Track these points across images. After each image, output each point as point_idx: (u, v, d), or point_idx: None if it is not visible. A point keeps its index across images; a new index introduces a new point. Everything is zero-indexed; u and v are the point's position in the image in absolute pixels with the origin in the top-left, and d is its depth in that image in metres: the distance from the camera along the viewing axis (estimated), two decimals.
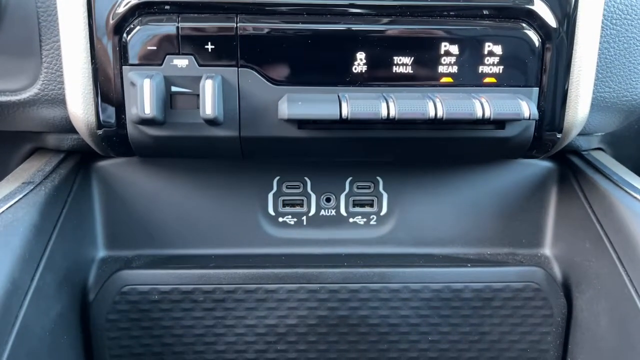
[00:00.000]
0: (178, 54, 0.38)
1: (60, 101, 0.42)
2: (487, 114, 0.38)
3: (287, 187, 0.50)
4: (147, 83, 0.39)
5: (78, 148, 0.47)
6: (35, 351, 0.39)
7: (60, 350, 0.42)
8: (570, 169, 0.50)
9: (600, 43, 0.42)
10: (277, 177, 0.50)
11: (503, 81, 0.40)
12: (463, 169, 0.49)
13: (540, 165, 0.50)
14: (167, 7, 0.39)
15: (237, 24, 0.39)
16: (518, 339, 0.48)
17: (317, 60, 0.39)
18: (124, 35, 0.39)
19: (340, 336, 0.48)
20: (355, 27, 0.40)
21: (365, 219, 0.51)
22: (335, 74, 0.39)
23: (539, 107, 0.42)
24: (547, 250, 0.51)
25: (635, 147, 0.57)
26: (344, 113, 0.38)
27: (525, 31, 0.40)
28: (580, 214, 0.47)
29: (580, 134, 0.47)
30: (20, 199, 0.43)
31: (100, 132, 0.41)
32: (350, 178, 0.50)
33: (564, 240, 0.49)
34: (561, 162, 0.51)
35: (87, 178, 0.49)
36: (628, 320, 0.40)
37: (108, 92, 0.40)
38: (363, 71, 0.41)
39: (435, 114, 0.38)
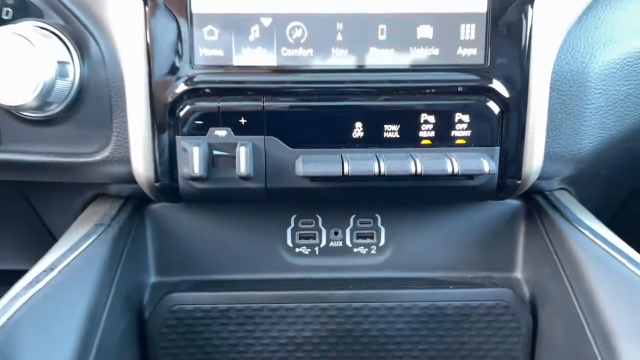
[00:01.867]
0: (219, 126, 0.49)
1: (126, 161, 0.52)
2: (456, 170, 0.48)
3: (302, 224, 0.60)
4: (195, 150, 0.50)
5: (135, 195, 0.57)
6: None
7: None
8: (535, 207, 0.60)
9: (549, 109, 0.51)
10: (294, 216, 0.60)
11: (471, 142, 0.50)
12: (446, 208, 0.59)
13: (511, 203, 0.60)
14: (209, 91, 0.50)
15: (263, 103, 0.50)
16: (492, 347, 0.57)
17: (325, 129, 0.50)
18: (177, 112, 0.50)
19: (347, 346, 0.58)
20: (353, 104, 0.50)
21: (366, 249, 0.61)
22: (339, 139, 0.50)
23: (500, 161, 0.52)
24: (519, 274, 0.61)
25: (593, 189, 0.65)
26: (346, 171, 0.48)
27: (487, 104, 0.51)
28: (542, 245, 0.57)
29: (541, 179, 0.57)
30: (96, 238, 0.53)
31: (157, 184, 0.52)
32: (354, 215, 0.60)
33: (531, 266, 0.59)
34: (528, 201, 0.60)
35: (142, 219, 0.60)
36: (576, 333, 0.49)
37: (164, 155, 0.50)
38: (360, 136, 0.51)
39: (416, 170, 0.49)
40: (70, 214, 0.63)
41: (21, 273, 0.77)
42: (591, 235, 0.52)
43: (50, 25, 0.51)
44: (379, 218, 0.60)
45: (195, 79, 0.48)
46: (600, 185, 0.64)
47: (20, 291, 0.45)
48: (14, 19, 0.52)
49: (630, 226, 0.69)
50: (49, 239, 0.74)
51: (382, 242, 0.61)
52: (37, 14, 0.52)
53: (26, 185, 0.64)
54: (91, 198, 0.62)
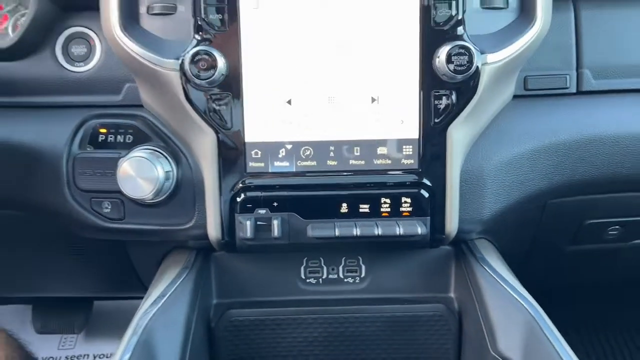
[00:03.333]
0: (261, 207, 0.73)
1: (203, 228, 0.75)
2: (402, 233, 0.71)
3: (311, 264, 0.84)
4: (247, 222, 0.73)
5: (205, 247, 0.79)
6: None
7: None
8: (460, 250, 0.82)
9: (459, 193, 0.75)
10: (306, 258, 0.84)
11: (412, 214, 0.73)
12: (403, 252, 0.84)
13: (446, 248, 0.83)
14: (255, 188, 0.73)
15: (287, 193, 0.73)
16: (433, 342, 0.81)
17: (324, 208, 0.73)
18: (236, 200, 0.73)
19: (340, 342, 0.82)
20: (340, 193, 0.73)
21: (352, 279, 0.85)
22: (332, 214, 0.73)
23: (430, 226, 0.73)
24: (451, 294, 0.84)
25: (504, 237, 0.86)
26: (337, 234, 0.71)
27: (421, 191, 0.73)
28: (463, 275, 0.82)
29: (460, 233, 0.77)
30: (185, 276, 0.76)
31: (222, 242, 0.75)
32: (344, 257, 0.84)
33: (458, 289, 0.83)
34: (456, 246, 0.83)
35: (209, 262, 0.82)
36: (477, 331, 0.73)
37: (228, 225, 0.74)
38: (345, 212, 0.72)
39: (378, 233, 0.72)
40: (154, 260, 0.86)
41: (91, 300, 1.08)
42: (489, 270, 0.75)
43: (157, 147, 0.78)
44: (360, 259, 0.85)
45: (247, 181, 0.73)
46: (509, 235, 0.87)
47: (148, 308, 0.74)
48: (134, 143, 0.78)
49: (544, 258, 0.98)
50: (131, 277, 1.02)
51: (363, 274, 0.85)
52: (148, 139, 0.78)
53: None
54: (170, 249, 0.86)
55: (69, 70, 0.80)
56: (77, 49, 0.81)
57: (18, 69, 0.81)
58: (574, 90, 0.81)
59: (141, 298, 0.77)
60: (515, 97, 0.79)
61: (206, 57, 0.69)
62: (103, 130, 0.79)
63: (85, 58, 0.81)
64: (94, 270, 1.11)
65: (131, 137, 0.77)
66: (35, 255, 1.08)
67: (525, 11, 0.75)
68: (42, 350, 1.37)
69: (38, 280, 1.17)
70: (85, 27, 0.81)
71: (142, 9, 0.75)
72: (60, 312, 1.37)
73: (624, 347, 1.27)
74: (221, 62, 0.70)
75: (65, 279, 1.17)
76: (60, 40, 0.81)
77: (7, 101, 0.82)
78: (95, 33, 0.81)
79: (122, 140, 0.78)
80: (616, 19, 0.83)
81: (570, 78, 0.81)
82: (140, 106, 0.78)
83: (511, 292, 0.72)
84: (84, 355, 1.42)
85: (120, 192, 0.74)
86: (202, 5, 0.70)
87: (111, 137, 0.79)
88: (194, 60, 0.69)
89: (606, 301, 1.31)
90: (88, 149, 0.79)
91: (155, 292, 0.73)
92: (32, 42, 0.80)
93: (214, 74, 0.70)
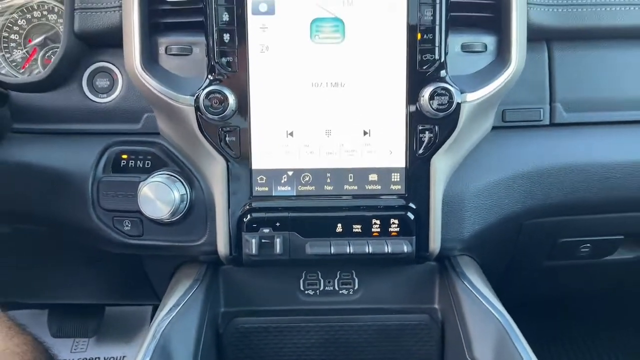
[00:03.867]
0: (265, 227, 0.79)
1: (214, 244, 0.81)
2: (390, 251, 0.77)
3: (309, 277, 0.90)
4: (253, 240, 0.80)
5: (214, 261, 0.85)
6: None
7: None
8: (443, 266, 0.88)
9: (442, 216, 0.82)
10: (305, 271, 0.90)
11: (399, 234, 0.79)
12: (393, 267, 0.90)
13: (431, 264, 0.89)
14: (260, 209, 0.80)
15: (289, 214, 0.79)
16: (419, 348, 0.90)
17: (321, 228, 0.80)
18: (243, 220, 0.80)
19: (336, 348, 0.88)
20: (336, 214, 0.79)
21: (347, 291, 0.91)
22: (329, 233, 0.80)
23: (416, 244, 0.79)
24: (436, 305, 0.90)
25: (484, 254, 0.92)
26: (332, 252, 0.78)
27: (407, 214, 0.79)
28: (445, 288, 0.89)
29: (443, 250, 0.83)
30: (197, 287, 0.82)
31: (230, 257, 0.81)
32: (339, 271, 0.90)
33: (441, 300, 0.89)
34: (440, 262, 0.89)
35: (217, 274, 0.88)
36: (456, 337, 0.80)
37: (235, 242, 0.80)
38: (340, 232, 0.79)
39: (369, 251, 0.79)
40: (167, 271, 0.93)
41: (103, 306, 1.17)
42: (467, 285, 0.81)
43: (174, 172, 0.84)
44: (354, 273, 0.91)
45: (253, 203, 0.79)
46: (488, 252, 0.93)
47: (165, 316, 0.82)
48: (152, 167, 0.85)
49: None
50: (144, 286, 1.10)
51: (356, 287, 0.91)
52: (164, 165, 0.85)
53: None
54: (182, 262, 0.92)
55: (94, 101, 0.88)
56: (101, 82, 0.90)
57: (48, 99, 0.90)
58: (547, 123, 0.89)
59: (150, 304, 0.85)
60: (494, 128, 0.86)
61: (218, 95, 0.79)
62: (124, 156, 0.88)
63: (108, 90, 0.90)
64: (108, 279, 1.20)
65: (149, 163, 0.85)
66: (54, 265, 1.17)
67: (501, 54, 0.84)
68: (57, 353, 1.46)
69: (56, 288, 1.26)
70: (109, 62, 0.90)
71: (161, 50, 0.84)
72: (74, 317, 1.46)
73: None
74: (231, 100, 0.79)
75: (81, 287, 1.26)
76: (86, 74, 0.90)
77: (38, 128, 0.91)
78: (117, 68, 0.90)
79: (141, 165, 0.86)
80: (586, 58, 0.92)
81: (544, 111, 0.89)
82: (157, 134, 0.85)
83: (486, 304, 0.80)
84: (96, 357, 1.51)
85: (139, 211, 0.82)
86: (215, 49, 0.80)
87: (132, 162, 0.87)
88: (207, 97, 0.79)
89: (578, 313, 1.41)
90: (111, 173, 0.88)
91: (170, 301, 0.82)
92: (61, 76, 0.89)
93: (225, 110, 0.79)
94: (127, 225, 0.85)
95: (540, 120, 0.88)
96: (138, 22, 0.80)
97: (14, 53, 0.98)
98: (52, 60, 0.97)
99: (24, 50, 0.99)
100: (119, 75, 0.87)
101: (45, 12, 0.99)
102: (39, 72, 0.98)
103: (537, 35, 0.86)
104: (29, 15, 0.99)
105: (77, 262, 1.09)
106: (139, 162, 0.85)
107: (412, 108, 0.80)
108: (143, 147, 0.86)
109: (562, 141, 0.88)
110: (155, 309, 0.85)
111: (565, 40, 0.89)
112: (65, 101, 0.87)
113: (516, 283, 1.12)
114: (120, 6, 0.84)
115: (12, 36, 0.99)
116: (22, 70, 0.99)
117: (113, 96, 0.87)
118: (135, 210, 0.83)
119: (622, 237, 1.00)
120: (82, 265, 1.10)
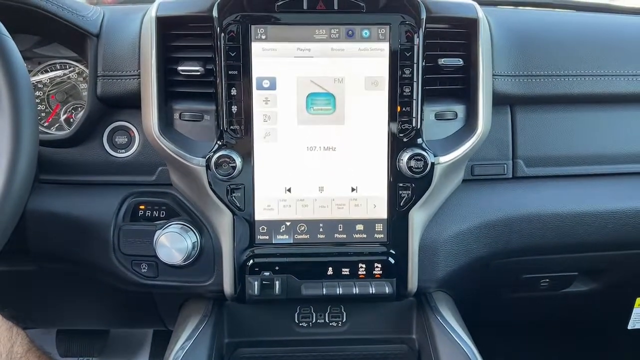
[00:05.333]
0: (265, 270, 0.87)
1: (220, 285, 0.88)
2: (373, 292, 0.86)
3: (303, 311, 0.98)
4: (255, 283, 0.92)
5: (219, 298, 0.93)
6: None
7: None
8: (421, 301, 0.97)
9: (419, 260, 0.91)
10: (299, 306, 0.98)
11: (383, 276, 0.88)
12: (376, 303, 1.00)
13: (410, 300, 0.97)
14: (262, 255, 0.91)
15: (286, 259, 0.89)
16: None
17: (314, 272, 0.88)
18: (247, 265, 0.88)
19: None
20: (327, 259, 0.88)
21: (336, 324, 0.99)
22: (321, 276, 0.88)
23: (396, 286, 0.89)
24: (414, 336, 0.99)
25: (458, 290, 1.01)
26: (324, 293, 0.86)
27: (389, 259, 0.91)
28: (422, 322, 1.03)
29: (420, 289, 0.92)
30: (206, 322, 0.94)
31: (235, 295, 0.89)
32: (329, 306, 0.99)
33: (418, 332, 0.97)
34: (418, 297, 0.98)
35: (222, 309, 0.97)
36: None
37: (240, 284, 0.88)
38: (330, 274, 0.89)
39: (355, 292, 0.89)
40: (176, 305, 1.03)
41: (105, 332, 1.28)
42: (439, 318, 0.91)
43: (186, 221, 0.94)
44: (342, 307, 1.00)
45: (255, 250, 0.88)
46: (461, 287, 1.01)
47: (178, 350, 0.94)
48: (167, 217, 0.94)
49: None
50: (152, 315, 1.19)
51: (345, 319, 1.00)
52: (177, 214, 0.94)
53: None
54: (186, 299, 1.01)
55: (113, 155, 0.98)
56: (120, 139, 1.02)
57: (72, 154, 1.02)
58: (510, 176, 1.00)
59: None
60: (464, 180, 0.97)
61: (227, 159, 0.91)
62: (142, 207, 1.00)
63: (126, 146, 1.02)
64: (118, 307, 1.31)
65: (164, 213, 0.95)
66: (68, 295, 1.28)
67: (469, 121, 0.98)
68: None
69: (67, 316, 1.37)
70: (127, 122, 1.02)
71: (176, 115, 0.97)
72: (82, 338, 1.56)
73: None
74: (238, 162, 0.92)
75: (91, 314, 1.37)
76: (107, 132, 1.02)
77: (62, 179, 1.02)
78: (135, 127, 1.02)
79: (157, 215, 0.98)
80: (544, 120, 1.06)
81: (507, 167, 1.01)
82: (170, 185, 0.95)
83: (455, 337, 0.91)
84: None
85: (155, 256, 0.91)
86: (225, 118, 0.93)
87: (148, 212, 1.00)
88: (217, 161, 0.91)
89: (538, 338, 1.55)
90: (130, 221, 1.00)
91: (183, 335, 0.93)
92: (85, 134, 1.01)
93: (232, 172, 0.92)
94: (144, 268, 0.96)
95: (504, 174, 1.00)
96: (156, 91, 0.93)
97: (38, 108, 1.10)
98: (72, 115, 1.10)
99: (48, 106, 1.11)
100: (136, 133, 0.97)
101: (67, 72, 1.11)
102: (60, 126, 1.10)
103: (501, 101, 0.98)
104: (52, 74, 1.11)
105: (90, 293, 1.20)
106: (154, 211, 0.96)
107: (393, 169, 0.90)
108: (158, 198, 0.95)
109: (522, 193, 0.99)
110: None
111: (527, 104, 1.00)
112: (87, 156, 0.97)
113: (486, 312, 1.26)
114: (138, 75, 0.97)
115: (37, 93, 1.11)
116: (46, 124, 1.11)
117: (131, 151, 0.97)
118: (152, 255, 0.92)
119: (576, 273, 1.13)
120: (93, 295, 1.21)
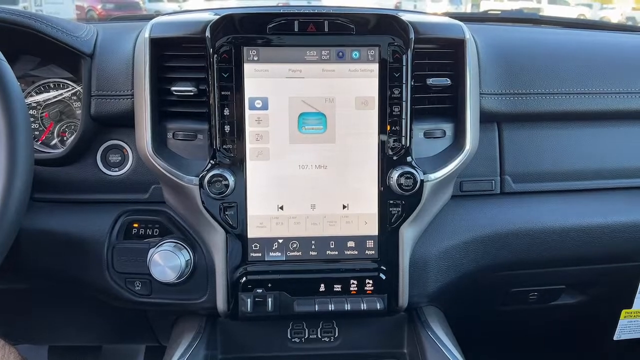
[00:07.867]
0: (258, 287, 0.89)
1: (214, 302, 0.90)
2: (365, 308, 0.88)
3: (296, 327, 0.99)
4: (248, 300, 0.95)
5: (213, 314, 0.94)
6: None
7: None
8: (412, 316, 0.99)
9: (409, 276, 1.01)
10: (292, 322, 1.00)
11: (374, 293, 0.90)
12: (368, 319, 1.02)
13: (401, 314, 0.97)
14: (255, 272, 0.93)
15: (279, 276, 0.91)
16: None
17: (306, 288, 0.90)
18: (240, 281, 0.93)
19: None
20: (319, 276, 0.90)
21: (328, 339, 1.00)
22: (313, 293, 0.90)
23: (387, 301, 0.92)
24: (405, 350, 1.00)
25: (448, 304, 1.03)
26: (316, 309, 0.88)
27: (380, 275, 0.96)
28: (413, 336, 1.07)
29: (411, 304, 0.95)
30: (200, 338, 0.98)
31: (228, 313, 0.91)
32: (322, 322, 1.00)
33: (409, 346, 1.02)
34: (409, 312, 1.00)
35: (215, 326, 0.98)
36: None
37: (233, 301, 0.89)
38: (322, 291, 0.91)
39: (347, 308, 0.92)
40: (169, 321, 1.04)
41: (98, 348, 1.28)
42: (429, 332, 0.92)
43: (179, 239, 1.00)
44: (334, 322, 1.01)
45: (248, 267, 0.89)
46: (450, 301, 1.02)
47: None
48: (160, 234, 0.96)
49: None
50: (145, 330, 1.23)
51: (336, 335, 1.01)
52: (170, 232, 0.95)
53: None
54: (179, 316, 1.02)
55: (107, 174, 0.99)
56: (113, 157, 1.04)
57: (66, 172, 1.03)
58: (498, 192, 1.03)
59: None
60: (453, 196, 1.00)
61: (220, 178, 0.93)
62: (135, 225, 1.01)
63: (120, 164, 1.03)
64: (110, 322, 1.32)
65: (157, 230, 0.96)
66: (60, 311, 1.29)
67: (458, 139, 1.01)
68: None
69: (59, 332, 1.37)
70: (120, 140, 1.04)
71: (169, 134, 0.98)
72: (74, 354, 1.56)
73: None
74: (231, 181, 0.93)
75: (83, 330, 1.37)
76: (100, 150, 1.03)
77: (56, 197, 1.03)
78: (128, 145, 1.04)
79: (150, 233, 0.99)
80: (531, 137, 1.09)
81: (495, 182, 1.04)
82: (163, 202, 0.97)
83: (444, 351, 0.92)
84: None
85: (149, 274, 0.91)
86: (218, 138, 0.94)
87: (142, 230, 1.01)
88: (210, 180, 0.93)
89: (530, 352, 1.58)
90: (123, 239, 1.01)
91: (177, 352, 0.95)
92: (78, 152, 1.02)
93: (225, 190, 0.93)
94: (138, 286, 0.97)
95: (492, 190, 1.02)
96: (150, 111, 0.94)
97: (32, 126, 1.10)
98: (66, 133, 1.11)
99: (41, 124, 1.12)
100: (129, 152, 0.98)
101: (61, 92, 1.13)
102: (55, 144, 1.11)
103: (489, 118, 1.02)
104: (45, 94, 1.12)
105: (82, 309, 1.20)
106: (148, 229, 0.98)
107: (383, 186, 0.93)
108: (151, 215, 0.97)
109: (510, 209, 1.02)
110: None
111: (513, 121, 1.03)
112: (81, 174, 0.98)
113: (476, 326, 1.28)
114: (132, 94, 0.98)
115: (31, 111, 1.12)
116: (39, 142, 1.12)
117: (124, 170, 0.99)
118: (145, 273, 0.92)
119: (563, 286, 1.16)
120: (86, 311, 1.22)
